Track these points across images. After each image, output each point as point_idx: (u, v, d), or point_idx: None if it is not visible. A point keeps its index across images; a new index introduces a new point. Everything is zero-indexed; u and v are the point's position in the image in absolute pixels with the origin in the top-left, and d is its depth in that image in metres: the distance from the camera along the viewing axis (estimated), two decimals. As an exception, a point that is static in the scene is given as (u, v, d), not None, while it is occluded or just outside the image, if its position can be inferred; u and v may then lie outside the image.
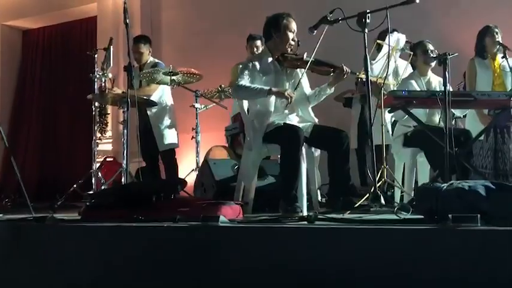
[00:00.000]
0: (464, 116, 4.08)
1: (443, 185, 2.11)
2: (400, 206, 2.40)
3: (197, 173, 3.95)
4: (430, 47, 3.65)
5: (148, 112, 4.48)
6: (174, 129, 4.88)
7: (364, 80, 2.81)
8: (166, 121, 4.81)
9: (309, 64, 3.00)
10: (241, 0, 7.37)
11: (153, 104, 4.16)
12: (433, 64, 3.66)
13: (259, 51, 4.58)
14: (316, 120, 3.15)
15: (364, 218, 2.29)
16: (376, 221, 2.14)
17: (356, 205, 2.66)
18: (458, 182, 2.05)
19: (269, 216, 2.71)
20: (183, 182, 2.83)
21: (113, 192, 2.97)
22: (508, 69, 4.32)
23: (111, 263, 2.31)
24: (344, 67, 3.02)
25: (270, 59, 3.12)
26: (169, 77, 3.93)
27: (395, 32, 2.98)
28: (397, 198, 3.69)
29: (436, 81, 3.85)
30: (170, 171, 4.79)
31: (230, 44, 5.74)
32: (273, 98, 3.02)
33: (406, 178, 3.53)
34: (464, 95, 3.09)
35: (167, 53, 7.14)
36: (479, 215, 1.75)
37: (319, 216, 2.17)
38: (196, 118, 4.10)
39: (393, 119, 3.94)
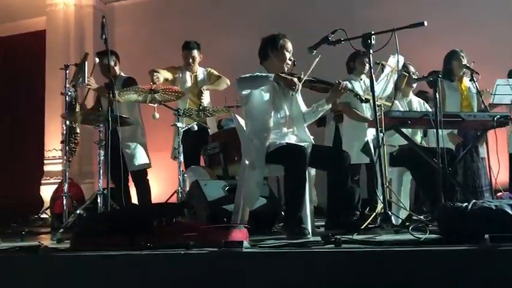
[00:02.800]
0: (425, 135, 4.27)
1: (464, 204, 2.14)
2: (414, 226, 2.40)
3: (182, 195, 3.79)
4: (412, 68, 3.78)
5: (119, 130, 4.26)
6: (144, 148, 4.70)
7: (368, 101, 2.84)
8: (137, 140, 4.62)
9: (305, 82, 2.99)
10: (195, 18, 7.41)
11: (130, 122, 3.97)
12: (414, 86, 3.78)
13: (195, 63, 4.64)
14: (312, 140, 3.14)
15: (385, 239, 2.28)
16: (399, 242, 2.13)
17: (363, 226, 2.66)
18: (481, 201, 2.09)
19: (274, 240, 2.64)
20: (189, 205, 2.69)
21: (108, 217, 2.76)
22: (474, 92, 4.58)
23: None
24: (341, 83, 3.03)
25: None
26: (148, 95, 3.76)
27: (396, 54, 3.05)
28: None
29: (416, 102, 3.98)
30: (142, 193, 4.58)
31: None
32: (272, 117, 2.98)
33: (393, 197, 3.58)
34: (454, 116, 3.19)
35: (123, 70, 6.96)
36: (516, 235, 1.79)
37: (343, 239, 2.12)
38: (178, 137, 3.94)
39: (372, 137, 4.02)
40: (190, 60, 4.62)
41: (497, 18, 5.88)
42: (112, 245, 2.40)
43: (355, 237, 2.38)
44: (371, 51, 2.66)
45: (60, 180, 6.52)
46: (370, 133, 4.14)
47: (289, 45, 3.11)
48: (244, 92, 3.01)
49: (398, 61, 2.88)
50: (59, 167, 7.31)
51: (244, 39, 6.99)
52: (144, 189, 4.60)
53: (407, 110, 3.70)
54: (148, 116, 4.72)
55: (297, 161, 2.74)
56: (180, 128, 3.93)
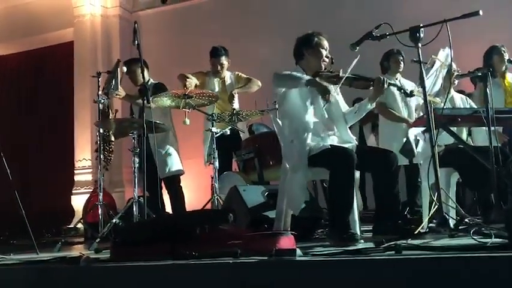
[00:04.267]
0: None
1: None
2: (475, 230, 2.24)
3: (221, 201, 3.68)
4: (454, 66, 3.60)
5: (150, 136, 4.19)
6: (177, 154, 4.62)
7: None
8: (170, 146, 4.55)
9: (344, 79, 2.85)
10: (223, 24, 7.36)
11: (164, 128, 3.90)
12: (456, 82, 3.60)
13: (224, 69, 4.57)
14: (355, 140, 3.00)
15: (444, 244, 2.12)
16: (464, 248, 1.97)
17: (417, 231, 2.50)
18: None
19: (322, 247, 2.51)
20: (233, 212, 2.58)
21: (148, 226, 2.67)
22: (519, 87, 4.37)
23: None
24: (382, 78, 2.89)
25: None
26: (182, 100, 3.67)
27: (446, 48, 2.90)
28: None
29: (458, 99, 3.80)
30: (177, 200, 4.50)
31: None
32: (311, 116, 2.86)
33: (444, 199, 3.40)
34: (506, 112, 3.02)
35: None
36: None
37: (403, 245, 1.98)
38: (213, 143, 3.84)
39: (417, 137, 3.86)
40: (219, 67, 4.58)
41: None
42: (153, 254, 2.31)
43: (412, 242, 2.24)
44: (419, 45, 2.51)
45: (91, 190, 6.53)
46: (412, 133, 3.99)
47: (325, 43, 3.00)
48: (278, 89, 2.92)
49: (448, 55, 2.71)
50: (89, 177, 7.34)
51: (273, 42, 6.93)
52: (178, 196, 4.52)
53: (450, 107, 3.52)
54: (177, 122, 4.70)
55: (344, 163, 2.60)
56: (214, 133, 3.82)
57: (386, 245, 2.07)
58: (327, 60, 3.00)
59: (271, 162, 3.99)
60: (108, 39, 8.07)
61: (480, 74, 3.01)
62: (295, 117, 2.91)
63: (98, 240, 3.45)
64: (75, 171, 7.50)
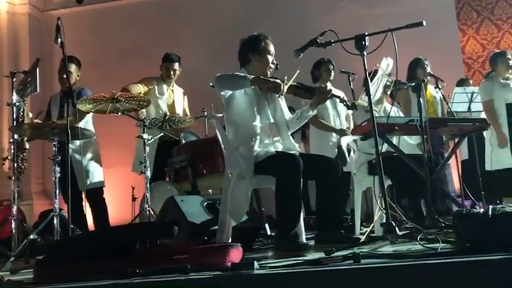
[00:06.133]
0: None
1: (480, 211, 2.03)
2: (423, 236, 2.27)
3: (152, 213, 3.45)
4: (389, 77, 3.71)
5: (71, 145, 3.84)
6: (99, 165, 4.31)
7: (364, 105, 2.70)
8: (93, 155, 4.23)
9: (288, 88, 2.79)
10: (144, 28, 7.11)
11: (89, 135, 3.59)
12: (389, 92, 3.71)
13: (175, 76, 4.49)
14: (298, 148, 2.95)
15: (401, 252, 2.12)
16: (421, 254, 1.97)
17: (362, 239, 2.49)
18: (501, 206, 1.99)
19: (269, 259, 2.41)
20: (177, 224, 2.39)
21: (82, 241, 2.40)
22: (439, 99, 4.63)
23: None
24: (326, 87, 2.87)
25: None
26: (110, 104, 3.41)
27: (388, 57, 2.95)
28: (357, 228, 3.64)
29: (388, 108, 3.92)
30: (100, 214, 4.18)
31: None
32: (258, 122, 2.76)
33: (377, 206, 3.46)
34: (439, 121, 3.14)
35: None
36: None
37: (362, 253, 1.93)
38: (144, 150, 3.60)
39: (349, 146, 3.92)
40: (172, 73, 4.44)
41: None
42: (89, 273, 2.07)
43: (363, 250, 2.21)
44: (365, 53, 2.51)
45: (-2, 203, 5.89)
46: (344, 141, 4.04)
47: (272, 48, 2.92)
48: (222, 93, 2.78)
49: (390, 64, 2.76)
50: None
51: (197, 49, 6.80)
52: (101, 209, 4.20)
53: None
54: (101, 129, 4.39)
55: (291, 170, 2.53)
56: (146, 140, 3.59)
57: (341, 253, 2.02)
58: (272, 67, 2.92)
59: (204, 171, 3.84)
60: (15, 38, 7.48)
61: (414, 84, 3.11)
62: (242, 123, 2.79)
63: (12, 259, 3.09)
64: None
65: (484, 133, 4.49)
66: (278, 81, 2.67)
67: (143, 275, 1.95)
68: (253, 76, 2.71)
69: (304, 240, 2.64)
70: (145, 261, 2.14)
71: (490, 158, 4.58)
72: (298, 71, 2.81)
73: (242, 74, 2.74)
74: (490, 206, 2.02)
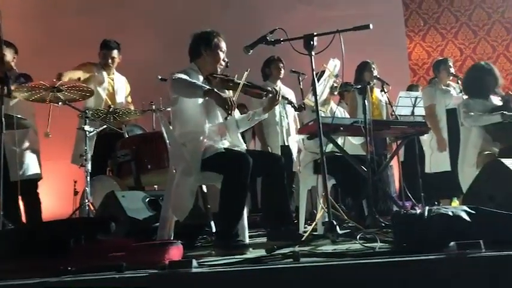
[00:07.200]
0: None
1: (417, 212, 2.09)
2: (363, 235, 2.30)
3: (92, 208, 3.32)
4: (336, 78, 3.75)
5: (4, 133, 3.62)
6: (36, 156, 4.09)
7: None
8: (30, 146, 4.01)
9: (241, 86, 2.77)
10: (93, 18, 6.88)
11: (26, 125, 3.40)
12: (336, 93, 3.76)
13: (114, 64, 4.39)
14: (245, 145, 2.93)
15: (340, 251, 2.13)
16: (360, 254, 1.99)
17: (303, 237, 2.50)
18: (437, 208, 2.04)
19: (214, 257, 2.37)
20: (115, 220, 2.30)
21: (11, 237, 2.25)
22: (384, 103, 4.74)
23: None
24: (277, 90, 2.87)
25: (200, 77, 2.82)
26: (50, 93, 3.24)
27: (336, 58, 2.97)
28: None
29: (336, 109, 3.98)
30: (33, 208, 3.97)
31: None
32: (206, 120, 2.72)
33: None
34: (382, 123, 3.21)
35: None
36: (481, 241, 1.75)
37: (301, 252, 1.93)
38: (86, 144, 3.46)
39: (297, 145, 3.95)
40: (110, 61, 4.30)
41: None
42: (17, 272, 1.95)
43: (298, 248, 2.21)
44: (313, 53, 2.52)
45: None
46: (291, 140, 4.07)
47: (224, 45, 2.89)
48: (174, 96, 2.73)
49: (337, 65, 2.78)
50: None
51: (147, 41, 6.64)
52: (34, 203, 3.98)
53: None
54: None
55: (239, 168, 2.48)
56: (87, 132, 3.45)
57: (281, 251, 2.02)
58: (223, 64, 2.89)
59: (149, 166, 3.74)
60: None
61: (360, 87, 3.16)
62: (188, 120, 2.74)
63: None
64: None
65: (424, 137, 4.64)
66: (231, 100, 2.55)
67: (75, 273, 1.86)
68: (208, 87, 2.64)
69: (246, 240, 2.61)
70: (79, 258, 2.05)
71: (429, 161, 4.75)
72: (246, 73, 2.79)
73: (198, 84, 2.68)
74: (427, 207, 2.07)
